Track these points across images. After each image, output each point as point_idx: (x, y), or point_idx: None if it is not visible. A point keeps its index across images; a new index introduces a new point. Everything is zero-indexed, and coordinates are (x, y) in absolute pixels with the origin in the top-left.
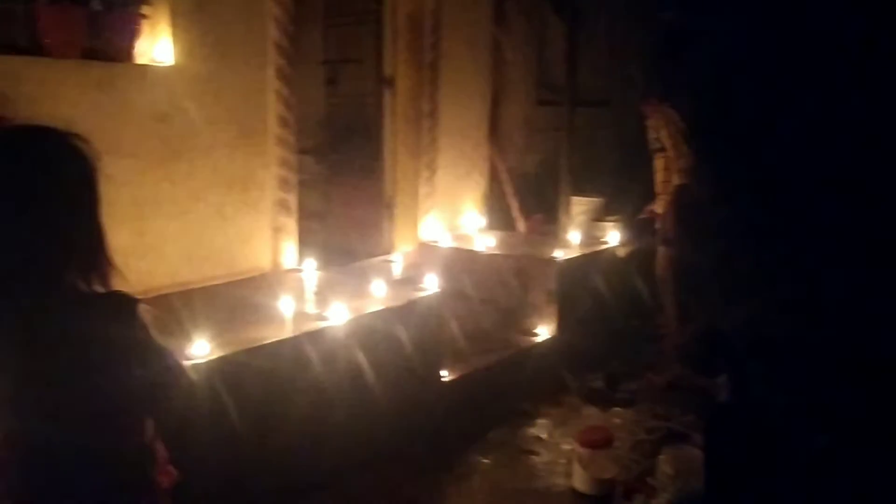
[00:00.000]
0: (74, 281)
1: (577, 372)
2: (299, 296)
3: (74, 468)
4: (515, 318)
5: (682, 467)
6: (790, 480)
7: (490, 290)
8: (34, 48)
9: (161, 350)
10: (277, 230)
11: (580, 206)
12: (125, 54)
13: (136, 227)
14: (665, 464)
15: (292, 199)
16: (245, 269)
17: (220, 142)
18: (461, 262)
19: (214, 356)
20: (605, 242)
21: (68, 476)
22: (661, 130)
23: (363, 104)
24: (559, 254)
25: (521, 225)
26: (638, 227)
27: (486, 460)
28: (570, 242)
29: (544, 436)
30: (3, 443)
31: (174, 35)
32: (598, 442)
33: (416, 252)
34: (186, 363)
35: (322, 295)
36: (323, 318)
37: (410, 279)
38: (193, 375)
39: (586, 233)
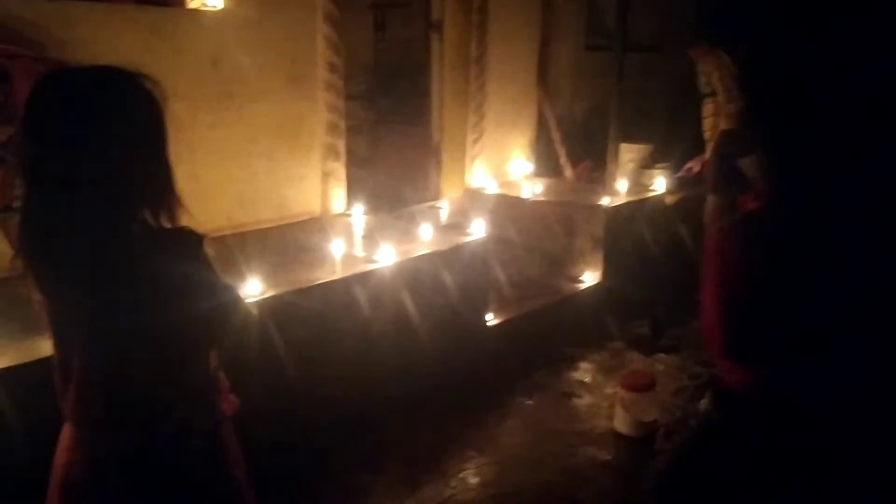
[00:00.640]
0: (145, 217)
1: (622, 319)
2: (348, 240)
3: (146, 396)
4: (561, 265)
5: None
6: None
7: (536, 237)
8: None
9: (225, 284)
10: (326, 175)
11: (629, 154)
12: None
13: (190, 170)
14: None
15: (341, 145)
16: (295, 212)
17: (270, 87)
18: (508, 209)
19: (267, 295)
20: (653, 190)
21: (140, 403)
22: (712, 75)
23: (411, 49)
24: (606, 201)
25: (568, 172)
26: (684, 177)
27: (529, 401)
28: (618, 190)
29: (587, 379)
30: (76, 371)
31: None
32: (640, 385)
33: (463, 198)
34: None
35: (370, 239)
36: (371, 261)
37: (457, 225)
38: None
39: (634, 180)
